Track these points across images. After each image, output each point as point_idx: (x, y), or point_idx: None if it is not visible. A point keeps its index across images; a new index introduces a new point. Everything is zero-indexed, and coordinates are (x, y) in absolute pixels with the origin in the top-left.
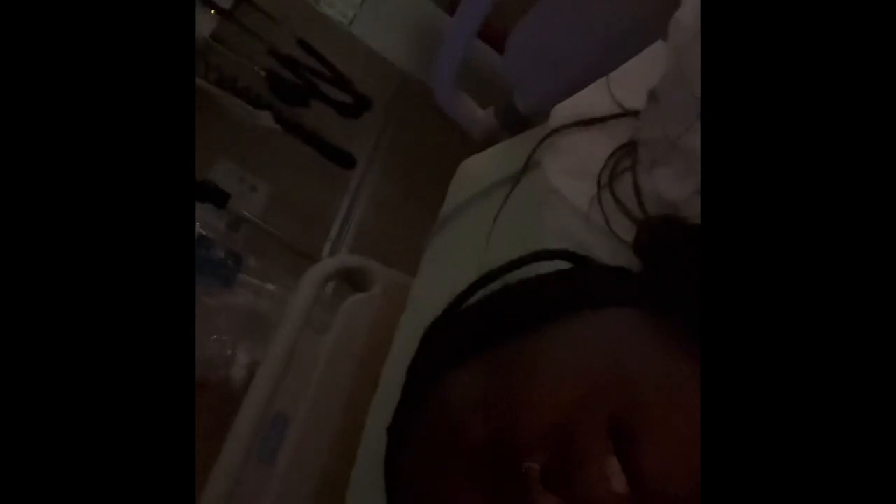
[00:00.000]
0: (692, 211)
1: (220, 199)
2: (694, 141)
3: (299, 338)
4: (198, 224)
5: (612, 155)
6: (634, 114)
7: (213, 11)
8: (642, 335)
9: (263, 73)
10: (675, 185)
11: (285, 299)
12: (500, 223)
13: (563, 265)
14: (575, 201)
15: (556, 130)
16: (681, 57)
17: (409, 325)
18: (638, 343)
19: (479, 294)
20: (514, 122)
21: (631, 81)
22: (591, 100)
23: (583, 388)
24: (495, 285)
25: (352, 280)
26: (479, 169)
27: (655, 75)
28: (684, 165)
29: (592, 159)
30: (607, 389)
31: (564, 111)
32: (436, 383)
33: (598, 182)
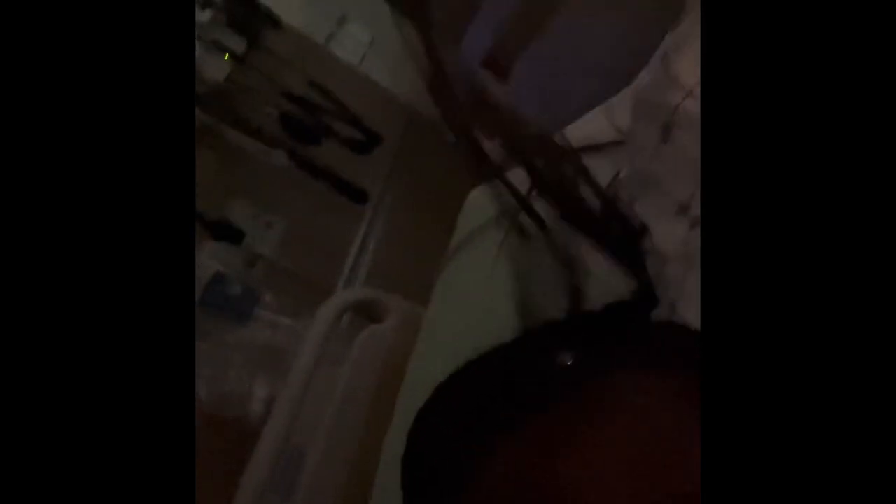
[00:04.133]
0: (676, 238)
1: (235, 236)
2: (658, 167)
3: (315, 371)
4: (214, 261)
5: (612, 179)
6: None
7: (227, 56)
8: (667, 406)
9: (276, 114)
10: (654, 214)
11: (302, 333)
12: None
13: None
14: None
15: None
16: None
17: (423, 355)
18: (670, 415)
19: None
20: None
21: (629, 108)
22: (590, 126)
23: (644, 479)
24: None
25: (366, 312)
26: (486, 199)
27: None
28: (655, 193)
29: None
30: (664, 475)
31: (565, 138)
32: (463, 476)
33: None
